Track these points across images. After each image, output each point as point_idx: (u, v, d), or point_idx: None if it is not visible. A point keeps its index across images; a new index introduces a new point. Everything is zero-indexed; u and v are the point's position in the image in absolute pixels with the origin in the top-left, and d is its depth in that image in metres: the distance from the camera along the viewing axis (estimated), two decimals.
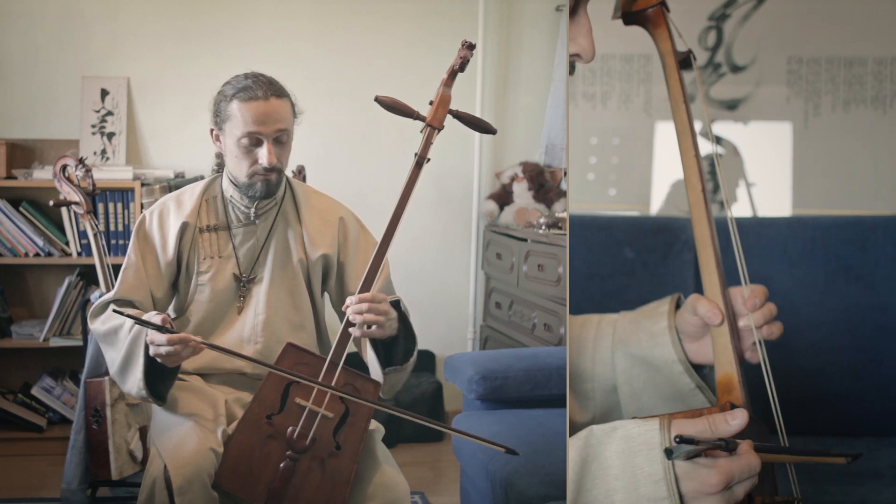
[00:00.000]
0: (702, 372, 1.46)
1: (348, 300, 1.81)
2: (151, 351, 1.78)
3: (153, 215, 2.05)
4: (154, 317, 1.79)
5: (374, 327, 1.81)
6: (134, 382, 1.86)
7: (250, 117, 1.90)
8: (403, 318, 1.92)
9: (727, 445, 1.09)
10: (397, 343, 1.92)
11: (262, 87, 1.92)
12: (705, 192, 1.39)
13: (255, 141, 1.93)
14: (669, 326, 1.44)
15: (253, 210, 2.03)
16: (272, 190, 2.01)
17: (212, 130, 2.01)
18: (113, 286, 2.82)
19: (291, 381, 1.81)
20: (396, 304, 1.90)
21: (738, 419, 1.12)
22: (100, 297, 2.82)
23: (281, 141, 1.96)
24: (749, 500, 1.23)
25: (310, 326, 2.07)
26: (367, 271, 1.84)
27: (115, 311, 1.83)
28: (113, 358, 1.92)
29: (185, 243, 2.02)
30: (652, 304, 1.51)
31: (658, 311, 1.48)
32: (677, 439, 1.05)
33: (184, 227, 2.02)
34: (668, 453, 1.07)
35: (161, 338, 1.74)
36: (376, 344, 1.90)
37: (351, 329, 1.81)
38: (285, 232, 2.06)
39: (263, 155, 1.93)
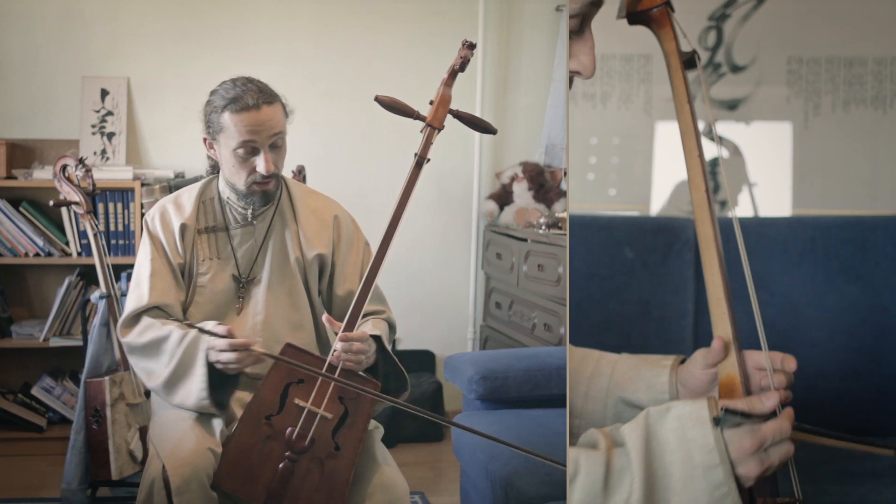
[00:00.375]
0: None
1: (337, 343, 1.80)
2: (211, 357, 1.79)
3: (155, 221, 2.03)
4: (216, 326, 1.81)
5: (354, 364, 1.82)
6: (192, 393, 1.85)
7: (244, 128, 1.89)
8: (383, 350, 1.91)
9: (766, 419, 1.23)
10: (376, 374, 1.92)
11: (253, 95, 1.89)
12: (709, 193, 1.39)
13: (250, 150, 1.92)
14: (670, 383, 1.44)
15: (250, 212, 2.03)
16: (270, 197, 2.01)
17: (205, 139, 2.00)
18: (112, 286, 2.85)
19: (291, 382, 1.81)
20: (377, 338, 1.90)
21: (771, 400, 1.24)
22: (100, 297, 2.82)
23: (277, 145, 1.95)
24: (750, 500, 1.23)
25: (308, 326, 2.07)
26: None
27: (192, 326, 1.82)
28: (153, 369, 1.91)
29: (186, 245, 2.02)
30: (656, 356, 1.51)
31: (661, 364, 1.47)
32: (724, 410, 1.21)
33: (183, 229, 2.01)
34: (716, 422, 1.22)
35: (223, 343, 1.76)
36: None
37: (333, 357, 1.81)
38: (283, 232, 2.06)
39: (261, 164, 1.92)
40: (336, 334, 1.82)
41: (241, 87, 1.91)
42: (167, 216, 2.03)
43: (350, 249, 2.09)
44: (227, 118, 1.90)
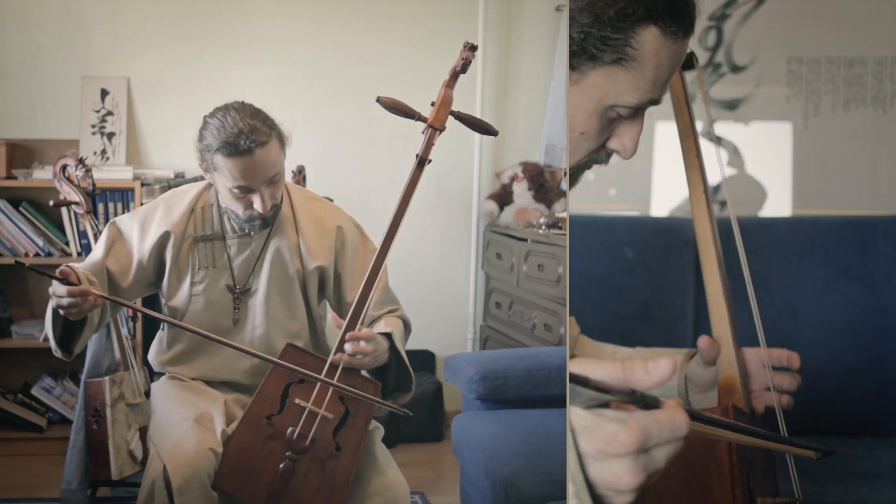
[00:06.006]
0: None
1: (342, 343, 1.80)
2: (53, 302, 1.76)
3: (137, 215, 2.02)
4: (59, 270, 1.77)
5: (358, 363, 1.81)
6: (50, 337, 1.88)
7: (238, 173, 1.86)
8: (395, 350, 1.90)
9: (645, 400, 0.84)
10: (388, 370, 1.92)
11: (245, 138, 1.82)
12: (707, 192, 1.39)
13: (246, 190, 1.90)
14: (678, 377, 1.45)
15: (248, 226, 2.00)
16: (270, 223, 1.99)
17: (201, 167, 1.95)
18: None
19: (291, 382, 1.81)
20: (388, 335, 1.89)
21: (661, 368, 0.87)
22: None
23: (274, 181, 1.92)
24: (751, 500, 1.23)
25: (305, 335, 2.05)
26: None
27: (16, 262, 1.82)
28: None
29: (167, 251, 1.99)
30: (669, 350, 1.52)
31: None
32: (571, 376, 0.80)
33: (165, 236, 1.98)
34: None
35: (62, 289, 1.72)
36: (369, 371, 1.90)
37: (336, 358, 1.80)
38: (282, 242, 2.03)
39: (258, 202, 1.90)
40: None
41: (231, 127, 1.84)
42: (152, 214, 2.01)
43: (356, 257, 2.06)
44: (219, 160, 1.87)
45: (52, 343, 1.88)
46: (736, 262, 1.43)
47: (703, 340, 1.35)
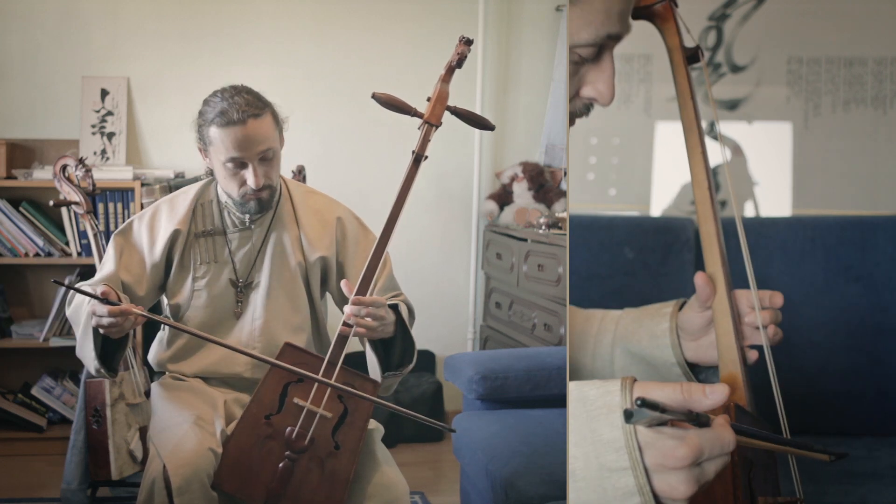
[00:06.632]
0: (699, 374, 1.46)
1: (347, 307, 1.80)
2: (93, 322, 1.77)
3: (143, 219, 2.04)
4: (97, 287, 1.79)
5: (366, 329, 1.81)
6: (88, 359, 1.87)
7: (230, 143, 1.88)
8: (402, 322, 1.91)
9: (698, 419, 0.96)
10: (394, 344, 1.92)
11: (238, 110, 1.87)
12: (712, 190, 1.38)
13: (239, 164, 1.92)
14: (671, 328, 1.44)
15: (248, 217, 2.02)
16: (265, 206, 2.00)
17: (199, 148, 1.99)
18: None
19: (290, 382, 1.81)
20: (395, 307, 1.90)
21: (717, 393, 0.98)
22: None
23: (267, 158, 1.93)
24: (752, 499, 1.22)
25: (307, 328, 2.06)
26: (365, 268, 1.83)
27: (54, 281, 1.82)
28: (77, 335, 1.92)
29: (175, 249, 2.01)
30: (656, 305, 1.52)
31: (661, 312, 1.48)
32: (638, 402, 0.90)
33: (175, 234, 2.00)
34: (628, 416, 0.92)
35: (102, 309, 1.73)
36: (375, 344, 1.90)
37: (343, 329, 1.81)
38: (282, 235, 2.05)
39: (250, 178, 1.92)
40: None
41: (228, 99, 1.89)
42: (158, 216, 2.03)
43: (357, 247, 2.08)
44: (214, 132, 1.90)
45: (95, 363, 1.86)
46: (736, 261, 1.43)
47: (699, 277, 1.36)
